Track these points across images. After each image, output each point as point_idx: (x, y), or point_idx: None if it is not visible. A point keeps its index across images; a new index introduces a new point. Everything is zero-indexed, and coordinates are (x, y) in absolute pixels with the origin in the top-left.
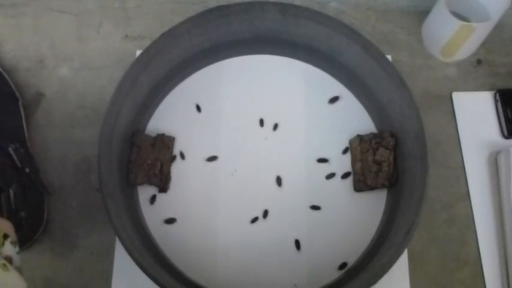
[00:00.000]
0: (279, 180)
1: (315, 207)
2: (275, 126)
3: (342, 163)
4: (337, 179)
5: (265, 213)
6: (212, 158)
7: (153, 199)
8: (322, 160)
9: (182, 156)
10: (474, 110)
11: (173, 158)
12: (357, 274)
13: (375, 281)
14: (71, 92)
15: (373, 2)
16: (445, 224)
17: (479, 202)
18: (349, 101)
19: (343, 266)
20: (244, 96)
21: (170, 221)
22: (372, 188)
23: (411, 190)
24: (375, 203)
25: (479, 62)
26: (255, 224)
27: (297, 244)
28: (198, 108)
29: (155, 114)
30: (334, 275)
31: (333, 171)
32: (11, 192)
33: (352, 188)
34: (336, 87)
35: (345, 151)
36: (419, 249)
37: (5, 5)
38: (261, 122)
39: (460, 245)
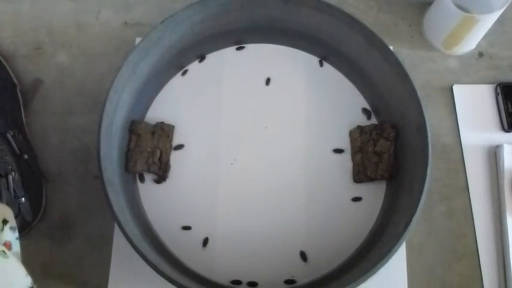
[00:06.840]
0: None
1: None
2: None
3: (341, 154)
4: (335, 169)
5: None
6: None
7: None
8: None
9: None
10: (475, 103)
11: (172, 146)
12: (355, 264)
13: (374, 271)
14: (69, 79)
15: None
16: (444, 216)
17: (478, 195)
18: (351, 92)
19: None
20: (244, 86)
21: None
22: (371, 179)
23: (411, 182)
24: (374, 194)
25: (480, 54)
26: (253, 213)
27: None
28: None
29: (155, 102)
30: (333, 264)
31: (331, 161)
32: (10, 178)
33: (351, 178)
34: (337, 77)
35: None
36: (417, 241)
37: None
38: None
39: (458, 237)
